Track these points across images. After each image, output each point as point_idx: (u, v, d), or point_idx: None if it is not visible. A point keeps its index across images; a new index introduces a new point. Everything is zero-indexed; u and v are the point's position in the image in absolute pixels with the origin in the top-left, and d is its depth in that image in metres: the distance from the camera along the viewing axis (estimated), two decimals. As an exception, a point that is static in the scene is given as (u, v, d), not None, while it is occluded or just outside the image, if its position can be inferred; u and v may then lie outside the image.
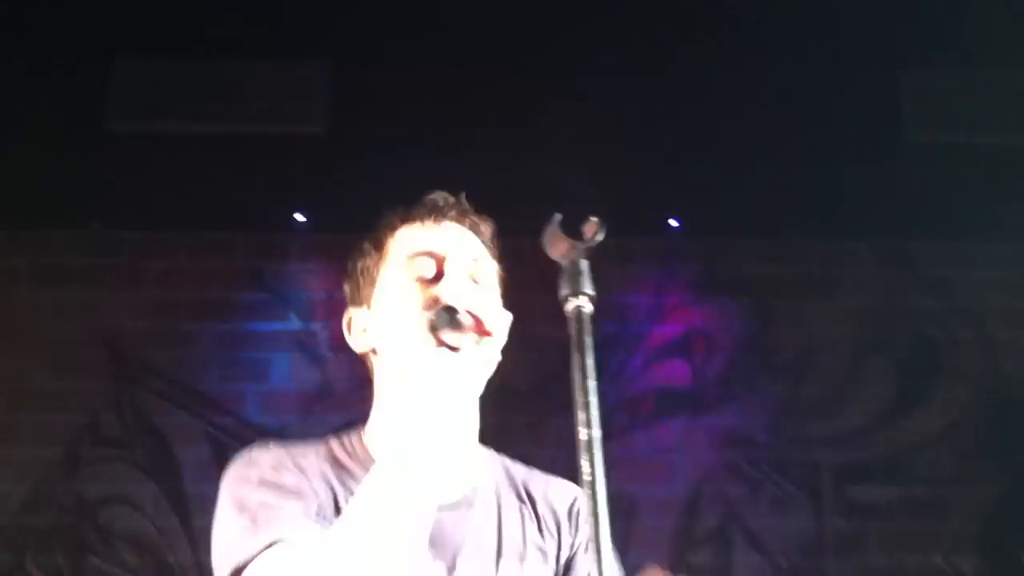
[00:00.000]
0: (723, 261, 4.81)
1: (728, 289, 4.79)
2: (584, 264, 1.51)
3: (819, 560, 4.43)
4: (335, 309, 4.58)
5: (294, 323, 4.67)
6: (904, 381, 4.69)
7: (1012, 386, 4.68)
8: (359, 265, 1.79)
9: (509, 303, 1.80)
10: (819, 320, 4.78)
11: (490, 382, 1.64)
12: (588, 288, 1.48)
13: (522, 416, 4.37)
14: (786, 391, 4.67)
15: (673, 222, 4.77)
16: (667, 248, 4.82)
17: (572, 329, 1.45)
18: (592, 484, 1.36)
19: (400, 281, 1.71)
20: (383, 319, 1.72)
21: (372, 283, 1.76)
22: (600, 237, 1.51)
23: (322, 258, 4.64)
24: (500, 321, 1.65)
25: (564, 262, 1.50)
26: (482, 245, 1.79)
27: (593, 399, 1.41)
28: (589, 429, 1.39)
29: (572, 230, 1.55)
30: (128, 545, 4.38)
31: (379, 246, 1.77)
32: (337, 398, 4.53)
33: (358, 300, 1.78)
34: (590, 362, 1.46)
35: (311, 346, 4.62)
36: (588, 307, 1.49)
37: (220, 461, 4.31)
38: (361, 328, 1.77)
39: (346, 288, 1.81)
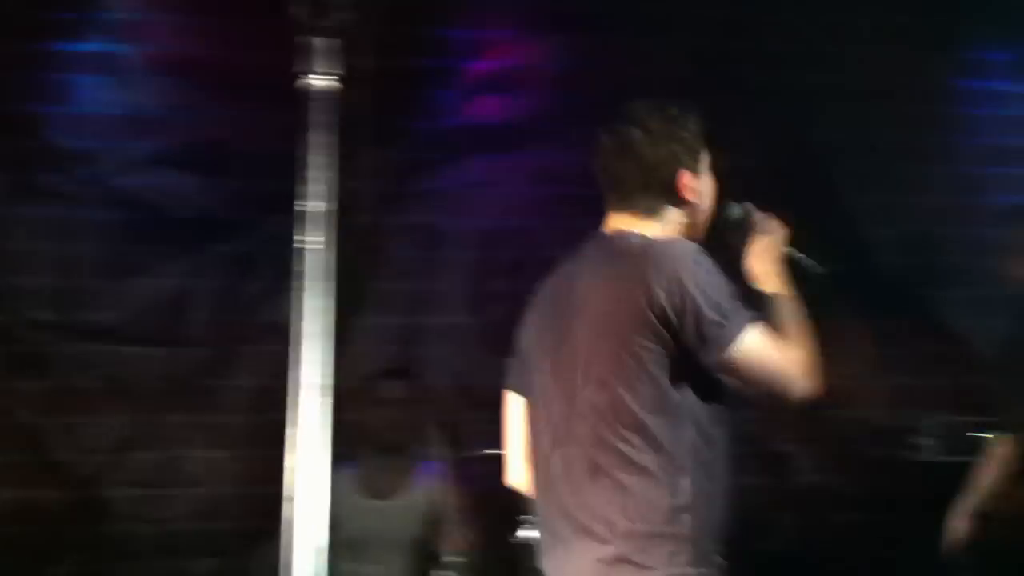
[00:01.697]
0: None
1: (549, 25, 4.84)
2: (319, 41, 1.57)
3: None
4: (146, 31, 4.53)
5: (101, 44, 4.55)
6: (712, 121, 4.87)
7: (800, 127, 4.93)
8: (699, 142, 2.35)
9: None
10: (634, 59, 4.89)
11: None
12: (323, 66, 1.58)
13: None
14: (595, 130, 4.82)
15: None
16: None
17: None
18: (301, 252, 1.53)
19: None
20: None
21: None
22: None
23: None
24: None
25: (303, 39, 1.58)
26: None
27: (319, 174, 1.52)
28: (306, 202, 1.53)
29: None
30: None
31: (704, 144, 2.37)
32: (145, 123, 4.53)
33: (693, 167, 2.32)
34: (319, 139, 1.55)
35: (119, 68, 4.53)
36: (321, 84, 1.57)
37: (20, 184, 4.37)
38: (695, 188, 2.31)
39: (678, 148, 2.30)
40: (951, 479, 4.01)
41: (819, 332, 4.58)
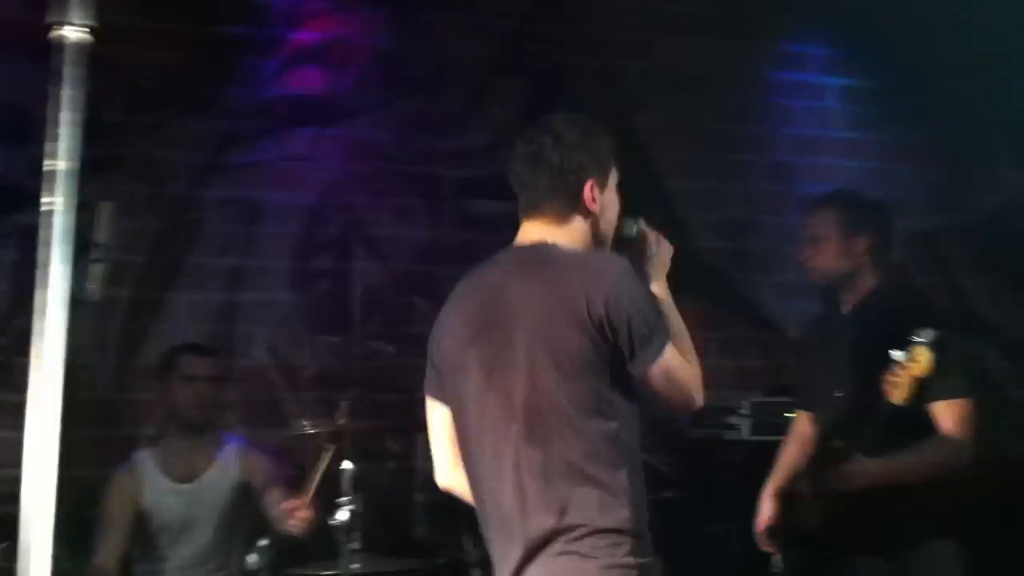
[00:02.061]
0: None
1: (370, -2, 4.80)
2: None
3: (434, 266, 4.75)
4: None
5: None
6: (528, 103, 4.95)
7: (622, 113, 5.06)
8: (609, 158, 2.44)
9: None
10: (455, 36, 4.90)
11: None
12: (76, 16, 1.50)
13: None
14: (417, 106, 4.82)
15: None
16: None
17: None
18: (51, 215, 1.45)
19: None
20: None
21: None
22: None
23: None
24: None
25: None
26: None
27: (65, 131, 1.45)
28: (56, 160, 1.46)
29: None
30: None
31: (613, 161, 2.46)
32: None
33: (600, 179, 2.40)
34: (67, 93, 1.47)
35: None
36: (73, 36, 1.48)
37: None
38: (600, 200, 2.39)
39: (587, 158, 2.37)
40: (766, 458, 4.18)
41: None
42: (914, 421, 3.09)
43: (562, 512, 2.17)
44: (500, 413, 2.26)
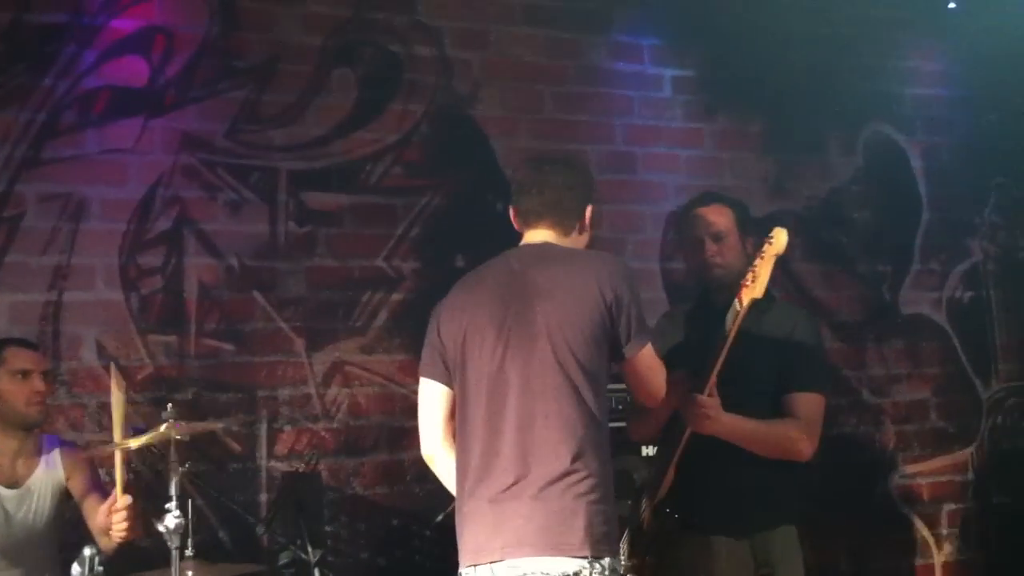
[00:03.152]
0: (189, -46, 4.72)
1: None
2: None
3: (271, 262, 4.70)
4: None
5: None
6: (364, 93, 4.94)
7: (460, 103, 5.10)
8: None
9: None
10: (285, 26, 4.86)
11: None
12: None
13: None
14: (248, 96, 4.76)
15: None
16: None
17: None
18: None
19: None
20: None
21: None
22: None
23: None
24: None
25: None
26: None
27: None
28: None
29: None
30: None
31: None
32: None
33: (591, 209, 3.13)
34: None
35: None
36: None
37: None
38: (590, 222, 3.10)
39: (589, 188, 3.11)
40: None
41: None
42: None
43: (567, 454, 2.71)
44: (517, 369, 2.77)
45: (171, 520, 3.15)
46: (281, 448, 4.59)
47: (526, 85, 5.25)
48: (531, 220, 3.00)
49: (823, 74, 5.72)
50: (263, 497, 4.51)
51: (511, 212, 3.07)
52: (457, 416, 2.89)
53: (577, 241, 3.01)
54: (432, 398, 2.96)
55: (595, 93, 5.41)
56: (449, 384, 2.93)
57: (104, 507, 3.40)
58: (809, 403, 3.35)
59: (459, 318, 2.89)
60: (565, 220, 2.99)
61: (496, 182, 5.01)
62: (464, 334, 2.86)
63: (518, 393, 2.76)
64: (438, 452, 2.96)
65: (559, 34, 5.36)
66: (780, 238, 3.11)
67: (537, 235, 2.98)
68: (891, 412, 5.75)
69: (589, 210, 3.04)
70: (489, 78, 5.19)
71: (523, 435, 2.74)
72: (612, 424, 4.17)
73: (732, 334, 3.14)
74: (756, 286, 3.11)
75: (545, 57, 5.33)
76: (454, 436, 2.91)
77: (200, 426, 3.74)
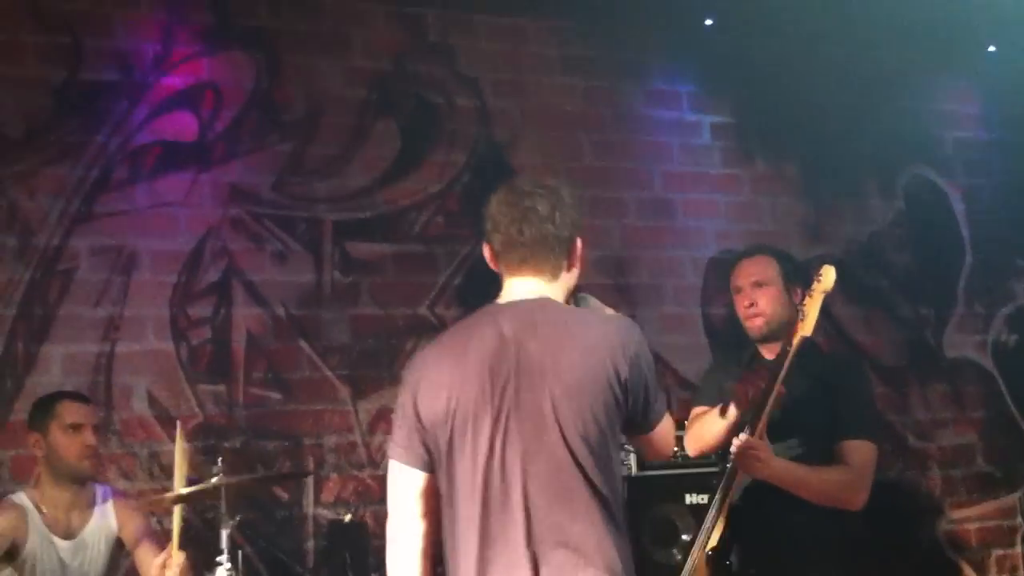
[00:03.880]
0: (235, 12, 4.90)
1: (239, 42, 4.90)
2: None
3: (317, 311, 4.83)
4: None
5: None
6: (405, 144, 5.09)
7: (500, 152, 5.23)
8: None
9: None
10: (329, 79, 5.02)
11: None
12: None
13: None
14: (293, 148, 4.92)
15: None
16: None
17: None
18: None
19: None
20: None
21: None
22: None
23: None
24: None
25: None
26: None
27: None
28: None
29: None
30: None
31: None
32: None
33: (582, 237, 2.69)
34: None
35: None
36: None
37: None
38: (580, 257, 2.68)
39: (577, 218, 2.65)
40: (652, 493, 4.35)
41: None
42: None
43: (590, 549, 2.35)
44: (520, 464, 2.35)
45: (223, 573, 3.24)
46: (327, 496, 4.70)
47: (565, 133, 5.39)
48: (513, 263, 2.54)
49: (862, 118, 5.82)
50: (310, 545, 4.61)
51: (486, 252, 2.61)
52: (444, 517, 2.44)
53: (567, 280, 2.57)
54: (409, 489, 2.47)
55: (633, 140, 5.53)
56: (431, 472, 2.46)
57: (159, 561, 3.50)
58: (860, 451, 3.40)
59: (443, 396, 2.41)
60: (553, 260, 2.53)
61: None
62: (452, 417, 2.39)
63: (523, 492, 2.34)
64: (412, 560, 2.48)
65: (596, 83, 5.51)
66: (828, 275, 3.25)
67: (524, 284, 2.53)
68: (937, 456, 5.77)
69: (579, 244, 2.60)
70: (528, 127, 5.33)
71: (533, 544, 2.33)
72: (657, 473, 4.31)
73: (783, 373, 3.24)
74: (806, 324, 3.24)
75: (583, 105, 5.47)
76: (429, 539, 2.50)
77: (251, 477, 3.83)
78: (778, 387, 3.24)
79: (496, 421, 2.37)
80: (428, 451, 2.45)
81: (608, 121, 5.50)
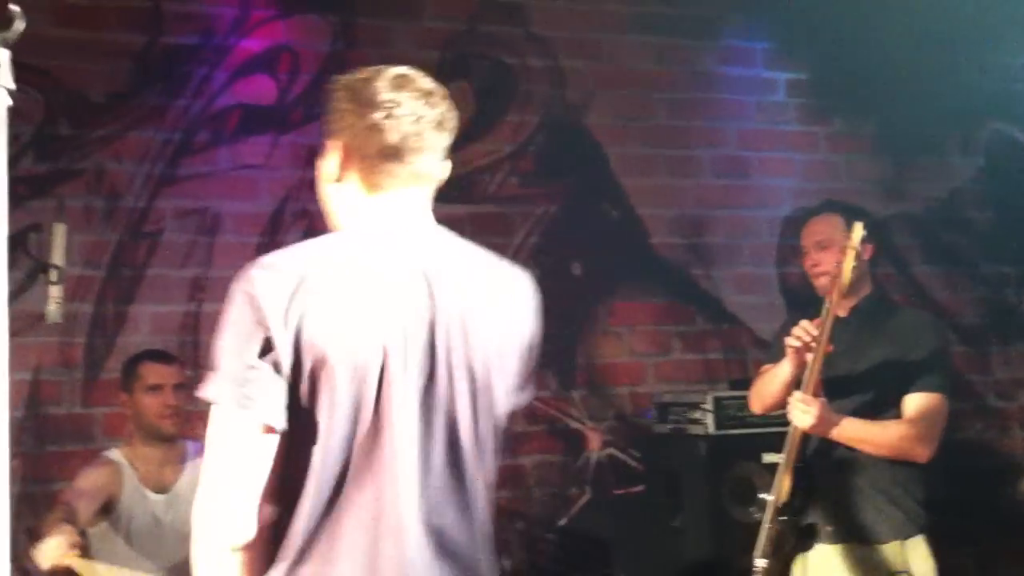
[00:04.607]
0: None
1: (314, 4, 5.00)
2: None
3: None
4: None
5: None
6: (479, 105, 5.17)
7: (573, 113, 5.29)
8: None
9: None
10: (402, 41, 5.10)
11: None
12: None
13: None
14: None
15: (261, -67, 4.86)
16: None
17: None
18: None
19: None
20: None
21: None
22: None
23: None
24: None
25: None
26: None
27: None
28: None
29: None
30: None
31: None
32: None
33: None
34: None
35: None
36: None
37: None
38: None
39: None
40: (729, 452, 4.42)
41: (609, 312, 4.90)
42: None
43: (475, 529, 2.01)
44: (414, 433, 1.91)
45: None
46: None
47: (638, 93, 5.42)
48: (400, 177, 2.04)
49: (940, 73, 5.77)
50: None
51: (338, 153, 2.07)
52: (315, 479, 1.87)
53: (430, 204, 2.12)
54: (258, 449, 1.85)
55: (708, 99, 5.56)
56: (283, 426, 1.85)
57: None
58: (926, 403, 3.44)
59: (332, 337, 1.86)
60: (437, 179, 2.12)
61: (610, 190, 5.20)
62: (339, 359, 1.86)
63: (427, 454, 1.93)
64: (248, 533, 1.89)
65: (670, 41, 5.53)
66: (856, 232, 3.33)
67: (412, 205, 2.06)
68: (1018, 416, 5.77)
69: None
70: (601, 87, 5.37)
71: (426, 503, 1.92)
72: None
73: (825, 330, 3.31)
74: (841, 280, 3.29)
75: (656, 64, 5.50)
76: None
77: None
78: (823, 343, 3.30)
79: (399, 375, 1.92)
80: (300, 393, 1.87)
81: (682, 80, 5.53)
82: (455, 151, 4.81)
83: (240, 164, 4.80)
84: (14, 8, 1.58)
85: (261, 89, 4.89)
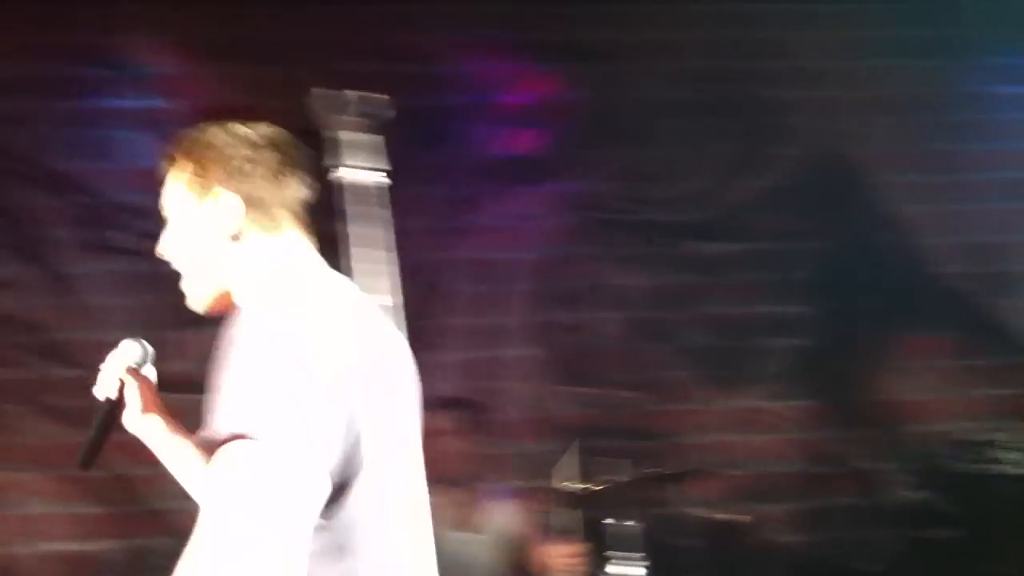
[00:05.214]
0: (567, 26, 5.08)
1: (574, 55, 5.08)
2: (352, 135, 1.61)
3: (669, 312, 4.99)
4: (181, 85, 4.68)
5: (140, 100, 4.75)
6: (742, 141, 5.15)
7: (839, 143, 5.20)
8: None
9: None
10: (662, 81, 5.13)
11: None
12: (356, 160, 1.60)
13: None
14: (631, 154, 5.06)
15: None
16: (511, 13, 5.01)
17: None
18: None
19: None
20: None
21: None
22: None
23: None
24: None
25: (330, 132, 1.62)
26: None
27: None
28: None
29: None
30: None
31: None
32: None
33: None
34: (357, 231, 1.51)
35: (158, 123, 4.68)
36: (355, 177, 1.60)
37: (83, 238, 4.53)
38: None
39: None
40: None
41: (897, 347, 4.75)
42: None
43: None
44: (389, 496, 1.78)
45: (619, 568, 3.39)
46: (696, 495, 4.78)
47: (908, 118, 5.28)
48: (293, 222, 1.92)
49: None
50: (690, 543, 4.68)
51: (235, 209, 1.86)
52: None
53: None
54: (306, 494, 1.54)
55: (980, 120, 5.36)
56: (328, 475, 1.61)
57: (563, 551, 3.71)
58: None
59: (359, 390, 1.69)
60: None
61: (883, 221, 5.09)
62: (366, 415, 1.69)
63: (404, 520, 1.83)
64: None
65: (933, 63, 5.36)
66: None
67: (312, 252, 1.95)
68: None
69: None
70: (867, 114, 5.25)
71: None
72: None
73: None
74: None
75: (922, 87, 5.34)
76: None
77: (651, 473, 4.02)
78: None
79: (377, 431, 1.76)
80: (345, 455, 1.67)
81: (951, 101, 5.35)
82: (719, 189, 4.83)
83: (512, 213, 4.96)
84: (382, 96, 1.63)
85: (524, 140, 5.02)
